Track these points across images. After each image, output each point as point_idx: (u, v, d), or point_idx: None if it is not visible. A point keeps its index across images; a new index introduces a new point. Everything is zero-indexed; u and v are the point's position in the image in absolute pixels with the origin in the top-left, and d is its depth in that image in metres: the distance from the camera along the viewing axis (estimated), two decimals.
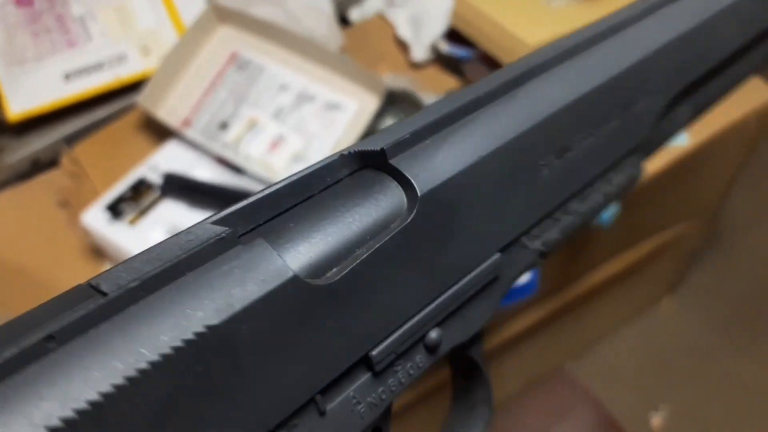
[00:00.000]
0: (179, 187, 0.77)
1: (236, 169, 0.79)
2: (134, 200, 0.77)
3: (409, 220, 0.22)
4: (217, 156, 0.80)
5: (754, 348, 1.36)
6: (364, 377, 0.22)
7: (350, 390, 0.21)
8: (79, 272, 0.77)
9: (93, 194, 0.78)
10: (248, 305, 0.17)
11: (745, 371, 1.32)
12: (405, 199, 0.23)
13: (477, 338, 0.27)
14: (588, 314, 1.16)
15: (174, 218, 0.76)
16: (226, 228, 0.19)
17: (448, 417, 0.29)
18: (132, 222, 0.75)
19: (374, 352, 0.21)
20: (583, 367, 1.30)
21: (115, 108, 0.87)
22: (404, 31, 0.99)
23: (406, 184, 0.23)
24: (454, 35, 0.95)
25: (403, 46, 0.99)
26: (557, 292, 1.01)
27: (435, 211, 0.23)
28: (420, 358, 0.24)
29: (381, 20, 1.04)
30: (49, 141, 0.86)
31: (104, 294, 0.17)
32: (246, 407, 0.17)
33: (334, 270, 0.20)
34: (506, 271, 0.27)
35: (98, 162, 0.83)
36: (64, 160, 0.82)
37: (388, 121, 0.86)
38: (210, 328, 0.16)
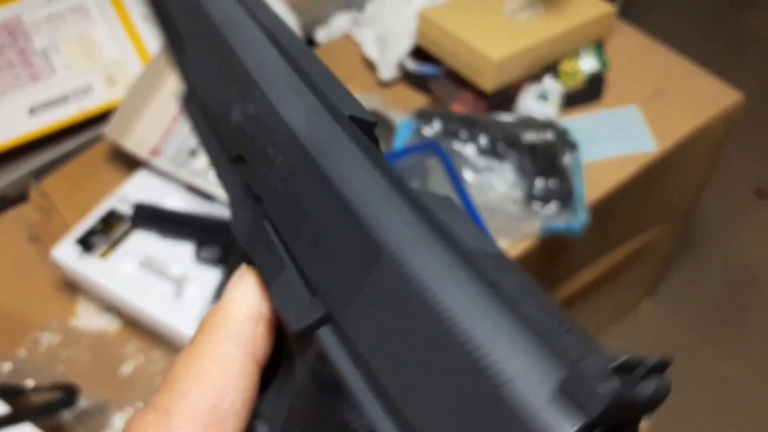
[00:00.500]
0: (150, 217, 0.77)
1: (207, 197, 0.79)
2: (105, 233, 0.76)
3: None
4: (187, 184, 0.80)
5: (733, 344, 1.37)
6: None
7: None
8: (52, 307, 0.76)
9: (63, 228, 0.78)
10: None
11: (726, 368, 1.33)
12: None
13: None
14: None
15: (146, 249, 0.75)
16: None
17: None
18: (103, 255, 0.74)
19: None
20: None
21: (82, 140, 0.86)
22: (371, 51, 0.99)
23: None
24: (420, 53, 0.95)
25: (370, 65, 1.00)
26: None
27: None
28: None
29: (348, 40, 1.04)
30: (17, 176, 0.85)
31: None
32: None
33: None
34: None
35: (67, 195, 0.82)
36: (33, 195, 0.82)
37: None
38: None
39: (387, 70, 0.96)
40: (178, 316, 0.70)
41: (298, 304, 0.20)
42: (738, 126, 1.03)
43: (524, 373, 0.14)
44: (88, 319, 0.75)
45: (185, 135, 0.82)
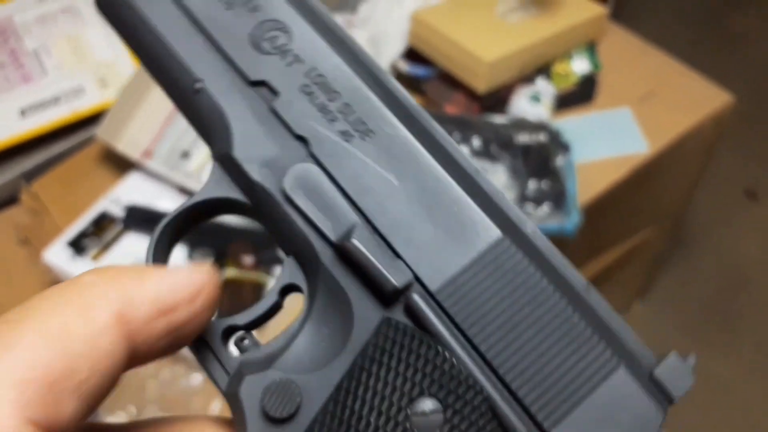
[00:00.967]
0: (142, 219, 0.76)
1: None
2: (97, 235, 0.76)
3: None
4: (179, 186, 0.80)
5: (724, 342, 1.38)
6: None
7: None
8: None
9: (54, 230, 0.77)
10: None
11: (717, 367, 1.34)
12: None
13: None
14: None
15: (138, 251, 0.75)
16: None
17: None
18: (95, 257, 0.74)
19: None
20: None
21: (74, 142, 0.86)
22: None
23: None
24: (412, 54, 0.95)
25: None
26: None
27: None
28: None
29: None
30: (7, 178, 0.84)
31: None
32: None
33: None
34: None
35: (58, 197, 0.82)
36: (24, 197, 0.81)
37: None
38: None
39: None
40: None
41: (386, 262, 0.21)
42: (728, 126, 1.03)
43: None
44: None
45: (178, 137, 0.82)
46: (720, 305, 1.45)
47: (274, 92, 0.23)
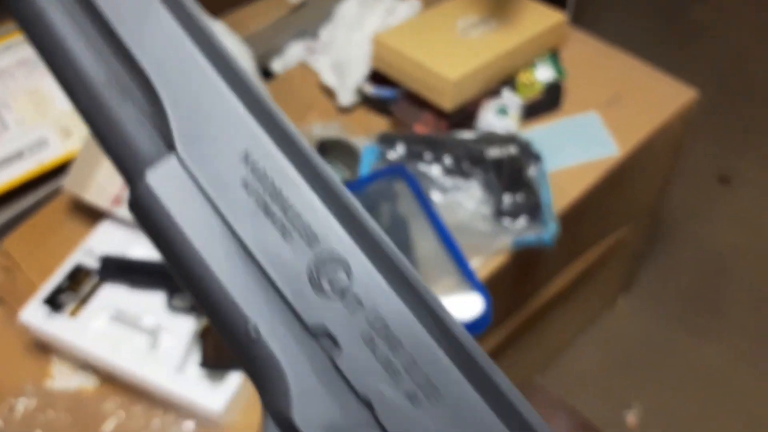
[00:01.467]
0: (117, 269, 0.75)
1: None
2: (73, 289, 0.74)
3: None
4: None
5: (709, 331, 1.39)
6: None
7: None
8: (25, 371, 0.74)
9: (29, 287, 0.76)
10: None
11: (705, 355, 1.35)
12: None
13: None
14: (548, 328, 1.17)
15: (116, 302, 0.73)
16: None
17: None
18: (73, 313, 0.72)
19: None
20: (551, 378, 1.31)
21: (41, 195, 0.85)
22: (329, 78, 0.99)
23: None
24: (377, 77, 0.95)
25: (329, 92, 0.99)
26: (514, 313, 1.02)
27: None
28: None
29: (304, 68, 1.04)
30: None
31: None
32: None
33: None
34: None
35: (30, 253, 0.80)
36: None
37: None
38: None
39: (346, 96, 0.96)
40: (155, 368, 0.69)
41: None
42: (695, 120, 1.04)
43: None
44: (63, 379, 0.74)
45: None
46: (703, 293, 1.46)
47: (334, 342, 0.20)
